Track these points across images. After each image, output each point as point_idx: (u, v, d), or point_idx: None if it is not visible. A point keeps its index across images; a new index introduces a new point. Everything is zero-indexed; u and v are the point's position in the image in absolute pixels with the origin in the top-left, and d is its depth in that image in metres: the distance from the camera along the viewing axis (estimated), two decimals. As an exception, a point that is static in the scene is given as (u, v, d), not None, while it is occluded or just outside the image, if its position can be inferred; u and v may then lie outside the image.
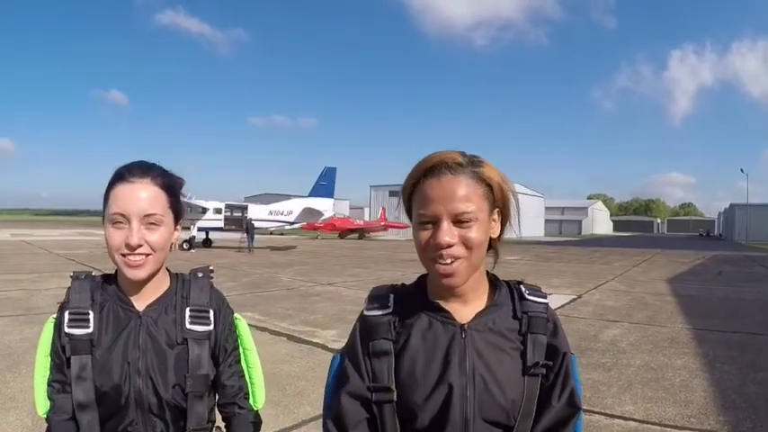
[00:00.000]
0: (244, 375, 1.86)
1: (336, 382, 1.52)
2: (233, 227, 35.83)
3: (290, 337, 8.74)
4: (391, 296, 1.50)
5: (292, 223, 39.48)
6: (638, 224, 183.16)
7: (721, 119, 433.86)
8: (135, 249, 1.59)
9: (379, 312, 1.48)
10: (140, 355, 1.64)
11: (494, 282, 1.52)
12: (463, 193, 1.31)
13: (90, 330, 1.64)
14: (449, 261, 1.31)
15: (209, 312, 1.75)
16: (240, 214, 36.38)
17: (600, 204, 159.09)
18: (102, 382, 1.60)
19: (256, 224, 35.51)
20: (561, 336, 1.49)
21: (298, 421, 5.14)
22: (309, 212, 38.27)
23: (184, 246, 31.32)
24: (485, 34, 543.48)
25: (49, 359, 1.68)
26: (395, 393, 1.39)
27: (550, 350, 1.45)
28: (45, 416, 1.65)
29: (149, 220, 1.62)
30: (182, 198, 1.79)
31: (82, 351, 1.62)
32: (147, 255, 1.62)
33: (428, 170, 1.34)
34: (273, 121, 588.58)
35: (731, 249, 47.62)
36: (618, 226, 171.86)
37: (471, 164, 1.35)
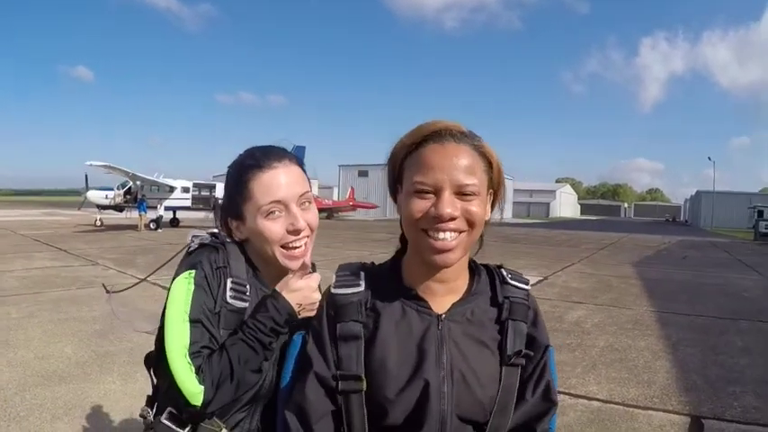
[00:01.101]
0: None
1: (298, 368, 1.42)
2: (201, 206, 35.42)
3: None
4: (362, 273, 1.41)
5: None
6: (606, 208, 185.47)
7: (690, 107, 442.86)
8: (301, 233, 1.60)
9: (349, 291, 1.37)
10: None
11: (473, 267, 1.45)
12: (468, 163, 1.22)
13: (246, 305, 1.58)
14: (447, 236, 1.22)
15: None
16: (208, 193, 35.89)
17: (568, 188, 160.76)
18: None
19: None
20: (541, 326, 1.42)
21: None
22: None
23: (151, 225, 30.92)
24: (456, 16, 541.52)
25: (189, 324, 1.49)
26: (365, 383, 1.28)
27: (530, 341, 1.38)
28: (197, 390, 1.44)
29: (303, 200, 1.63)
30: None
31: (234, 325, 1.55)
32: (308, 236, 1.65)
33: (430, 135, 1.25)
34: (241, 99, 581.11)
35: (696, 235, 48.68)
36: (585, 209, 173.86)
37: (472, 137, 1.28)
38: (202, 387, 1.42)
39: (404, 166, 1.30)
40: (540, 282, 13.61)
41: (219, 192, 35.94)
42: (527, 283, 1.44)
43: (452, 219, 1.20)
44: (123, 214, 34.54)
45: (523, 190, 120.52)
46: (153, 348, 1.63)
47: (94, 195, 33.41)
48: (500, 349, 1.34)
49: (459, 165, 1.21)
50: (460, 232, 1.24)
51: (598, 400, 5.45)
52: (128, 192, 33.24)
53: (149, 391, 1.70)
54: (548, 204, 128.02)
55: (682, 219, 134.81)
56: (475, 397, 1.28)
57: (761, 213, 46.08)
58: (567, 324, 8.85)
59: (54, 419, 4.60)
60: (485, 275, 1.44)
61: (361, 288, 1.36)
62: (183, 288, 1.53)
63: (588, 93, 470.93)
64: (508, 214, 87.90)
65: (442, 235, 1.22)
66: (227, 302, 1.55)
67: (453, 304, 1.35)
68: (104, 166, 29.84)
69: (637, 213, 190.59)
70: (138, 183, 32.91)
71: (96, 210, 33.69)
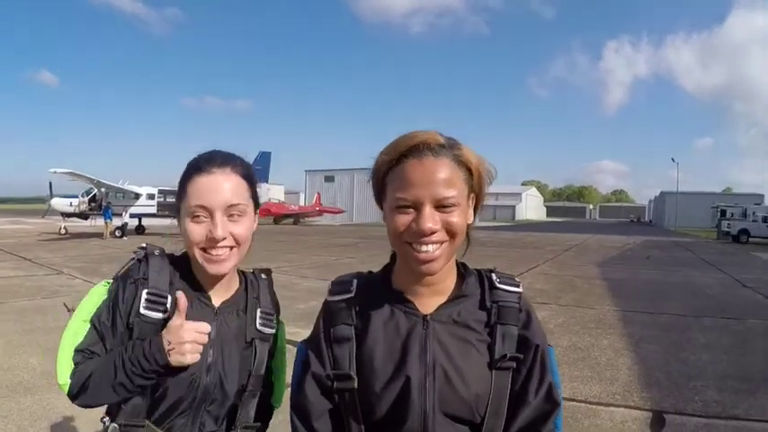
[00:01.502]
0: (272, 374, 1.86)
1: (300, 370, 1.49)
2: (166, 213, 35.12)
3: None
4: (354, 281, 1.48)
5: None
6: (572, 210, 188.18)
7: (655, 110, 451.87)
8: (219, 242, 1.57)
9: (341, 297, 1.45)
10: (212, 352, 1.62)
11: (463, 271, 1.49)
12: (446, 176, 1.26)
13: (164, 317, 1.58)
14: (430, 248, 1.27)
15: (273, 315, 1.80)
16: (174, 199, 35.49)
17: (534, 190, 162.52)
18: (165, 374, 1.55)
19: None
20: (535, 327, 1.43)
21: None
22: None
23: (116, 233, 30.46)
24: (422, 20, 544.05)
25: (89, 325, 1.59)
26: (355, 381, 1.35)
27: (522, 342, 1.39)
28: (65, 381, 1.54)
29: (232, 211, 1.59)
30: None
31: (150, 335, 1.56)
32: (231, 248, 1.60)
33: (408, 150, 1.28)
34: (207, 103, 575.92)
35: (661, 235, 49.59)
36: (551, 212, 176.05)
37: (451, 146, 1.30)
38: (69, 381, 1.53)
39: (386, 180, 1.34)
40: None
41: None
42: (518, 286, 1.46)
43: (433, 232, 1.25)
44: (88, 222, 34.13)
45: (489, 193, 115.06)
46: None
47: (59, 203, 32.87)
48: (490, 351, 1.37)
49: (438, 179, 1.25)
50: (442, 242, 1.28)
51: (562, 398, 5.44)
52: (92, 199, 32.85)
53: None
54: (513, 207, 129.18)
55: (646, 219, 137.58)
56: (458, 394, 1.31)
57: (723, 213, 47.20)
58: (531, 324, 8.84)
59: (20, 431, 4.55)
60: (474, 279, 1.47)
61: (352, 294, 1.44)
62: (98, 293, 1.63)
63: (553, 96, 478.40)
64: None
65: (424, 248, 1.27)
66: (141, 314, 1.57)
67: (440, 306, 1.40)
68: (68, 173, 29.34)
69: (602, 215, 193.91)
70: (102, 190, 32.48)
71: (61, 218, 33.10)
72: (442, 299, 1.41)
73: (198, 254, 1.58)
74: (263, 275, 1.85)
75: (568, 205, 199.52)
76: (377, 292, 1.45)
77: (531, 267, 17.78)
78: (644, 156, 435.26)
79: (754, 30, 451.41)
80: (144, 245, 1.70)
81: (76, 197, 32.97)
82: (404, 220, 1.28)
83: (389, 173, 1.32)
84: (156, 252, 1.68)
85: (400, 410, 1.32)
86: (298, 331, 8.08)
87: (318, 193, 65.05)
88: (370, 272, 1.55)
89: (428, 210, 1.25)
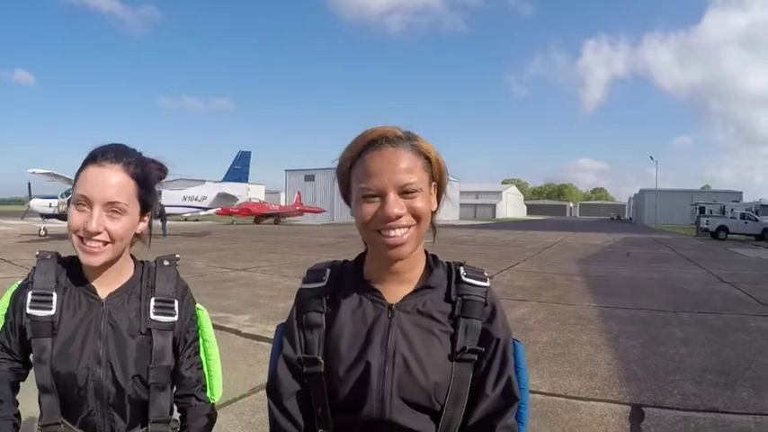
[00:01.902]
0: (202, 367, 1.88)
1: (276, 353, 1.56)
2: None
3: (204, 323, 8.51)
4: (328, 271, 1.54)
5: (207, 209, 39.06)
6: (552, 208, 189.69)
7: (633, 108, 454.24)
8: (93, 236, 1.58)
9: (314, 286, 1.52)
10: (101, 344, 1.64)
11: (432, 263, 1.54)
12: (406, 165, 1.34)
13: (52, 313, 1.63)
14: (398, 232, 1.34)
15: (173, 303, 1.76)
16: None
17: (514, 189, 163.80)
18: (60, 368, 1.60)
19: (172, 210, 35.01)
20: (499, 321, 1.47)
21: None
22: (224, 197, 37.94)
23: None
24: (401, 19, 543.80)
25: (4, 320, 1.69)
26: (322, 365, 1.42)
27: (484, 336, 1.44)
28: None
29: (112, 208, 1.60)
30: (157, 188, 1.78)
31: (43, 334, 1.62)
32: (105, 243, 1.61)
33: (368, 144, 1.37)
34: (184, 103, 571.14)
35: (640, 232, 50.09)
36: (532, 210, 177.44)
37: (409, 138, 1.39)
38: None
39: (350, 175, 1.42)
40: (485, 281, 13.66)
41: (165, 199, 35.52)
42: (485, 281, 1.50)
43: (399, 217, 1.32)
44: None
45: (470, 192, 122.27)
46: None
47: (38, 204, 32.37)
48: (453, 342, 1.42)
49: (399, 167, 1.33)
50: (409, 227, 1.35)
51: (541, 393, 5.51)
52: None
53: None
54: (494, 205, 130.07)
55: (626, 217, 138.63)
56: (417, 382, 1.37)
57: (702, 210, 47.83)
58: (510, 321, 8.73)
59: None
60: (442, 271, 1.52)
61: (324, 284, 1.51)
62: (9, 293, 1.71)
63: (532, 95, 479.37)
64: (455, 216, 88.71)
65: (393, 232, 1.34)
66: (28, 314, 1.62)
67: (406, 295, 1.46)
68: (47, 174, 28.91)
69: (582, 212, 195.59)
70: None
71: (40, 219, 32.62)
72: (410, 288, 1.47)
73: (75, 240, 1.61)
74: (166, 262, 1.83)
75: (549, 203, 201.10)
76: (348, 281, 1.51)
77: (511, 265, 17.83)
78: (623, 154, 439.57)
79: (730, 29, 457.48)
80: (38, 252, 1.73)
81: (56, 198, 32.66)
82: (370, 208, 1.35)
83: (353, 167, 1.40)
84: (48, 256, 1.71)
85: (360, 394, 1.38)
86: (277, 330, 8.09)
87: (299, 193, 64.96)
88: (345, 261, 1.60)
89: (392, 196, 1.32)
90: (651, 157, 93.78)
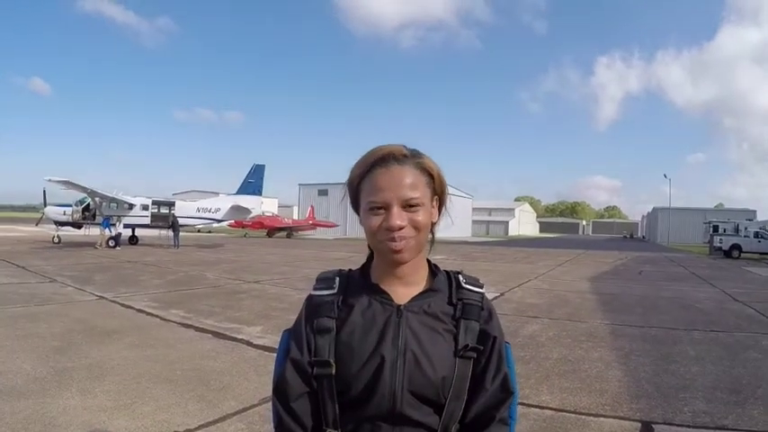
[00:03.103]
0: None
1: (282, 357, 1.63)
2: (160, 224, 35.24)
3: (216, 334, 8.65)
4: (337, 278, 1.64)
5: (220, 221, 39.24)
6: (564, 226, 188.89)
7: (646, 125, 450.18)
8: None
9: (325, 292, 1.62)
10: None
11: (434, 270, 1.67)
12: (410, 181, 1.48)
13: None
14: (402, 242, 1.46)
15: None
16: (167, 211, 35.82)
17: (527, 206, 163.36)
18: None
19: (185, 221, 35.50)
20: (494, 323, 1.63)
21: (222, 415, 5.15)
22: (237, 210, 38.08)
23: (110, 243, 30.42)
24: (414, 34, 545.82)
25: None
26: (333, 368, 1.51)
27: (482, 335, 1.58)
28: None
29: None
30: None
31: None
32: None
33: (376, 161, 1.50)
34: (198, 115, 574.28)
35: (653, 251, 49.87)
36: (544, 227, 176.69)
37: (414, 156, 1.53)
38: None
39: (359, 188, 1.55)
40: (496, 298, 13.72)
41: (179, 210, 35.77)
42: (481, 288, 1.67)
43: (401, 228, 1.46)
44: (82, 231, 34.38)
45: (482, 208, 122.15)
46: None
47: (53, 211, 33.00)
48: (455, 341, 1.55)
49: (403, 183, 1.47)
50: (410, 237, 1.48)
51: (550, 408, 5.51)
52: (86, 208, 32.97)
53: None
54: (507, 223, 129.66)
55: (639, 235, 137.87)
56: (426, 376, 1.48)
57: (716, 228, 47.58)
58: (521, 338, 8.92)
59: None
60: (444, 277, 1.66)
61: (334, 291, 1.61)
62: None
63: (545, 111, 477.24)
64: (468, 233, 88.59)
65: (395, 242, 1.47)
66: None
67: (413, 297, 1.58)
68: (63, 182, 29.29)
69: (595, 230, 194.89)
70: (96, 199, 32.57)
71: (54, 226, 33.22)
72: (415, 291, 1.59)
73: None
74: None
75: (561, 221, 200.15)
76: (356, 286, 1.62)
77: (522, 282, 17.81)
78: (636, 171, 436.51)
79: (744, 46, 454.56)
80: None
81: (70, 206, 33.07)
82: (376, 220, 1.48)
83: (362, 182, 1.53)
84: None
85: (373, 388, 1.48)
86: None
87: (312, 207, 65.03)
88: (350, 269, 1.70)
89: (396, 209, 1.46)
90: (665, 175, 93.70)
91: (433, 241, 1.65)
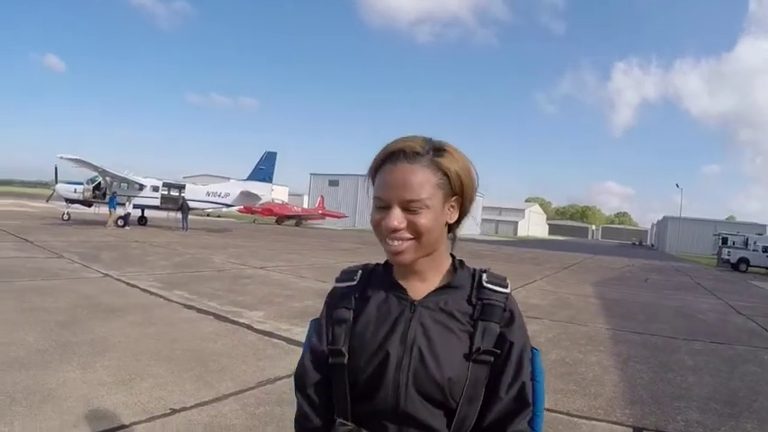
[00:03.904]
0: None
1: (306, 344, 1.66)
2: (169, 206, 35.45)
3: (217, 317, 8.75)
4: (360, 272, 1.64)
5: (230, 206, 39.31)
6: (574, 229, 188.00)
7: (661, 134, 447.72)
8: None
9: (345, 284, 1.62)
10: None
11: (458, 265, 1.61)
12: (416, 181, 1.40)
13: None
14: (396, 243, 1.43)
15: None
16: (177, 193, 36.00)
17: (537, 207, 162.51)
18: None
19: (195, 205, 35.69)
20: (516, 327, 1.51)
21: (218, 395, 5.23)
22: (247, 196, 38.10)
23: (119, 222, 30.69)
24: (430, 30, 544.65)
25: None
26: (346, 357, 1.49)
27: (501, 339, 1.48)
28: None
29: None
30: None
31: None
32: None
33: (388, 156, 1.45)
34: (212, 99, 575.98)
35: (661, 259, 49.63)
36: (554, 230, 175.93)
37: (432, 152, 1.44)
38: None
39: (374, 181, 1.51)
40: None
41: (189, 193, 35.88)
42: (506, 287, 1.57)
43: (397, 230, 1.42)
44: (92, 209, 34.66)
45: (492, 207, 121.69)
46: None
47: (63, 189, 33.13)
48: (471, 342, 1.47)
49: (408, 183, 1.40)
50: (407, 239, 1.44)
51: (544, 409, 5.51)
52: (97, 187, 33.12)
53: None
54: (516, 223, 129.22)
55: (648, 243, 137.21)
56: (430, 374, 1.42)
57: (725, 240, 47.08)
58: (521, 337, 8.89)
59: (13, 403, 4.66)
60: (467, 274, 1.59)
61: (355, 283, 1.61)
62: None
63: (560, 114, 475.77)
64: (476, 231, 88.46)
65: (392, 242, 1.44)
66: None
67: (429, 293, 1.53)
68: (75, 160, 29.46)
69: (604, 236, 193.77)
70: (107, 179, 32.77)
71: (64, 203, 33.42)
72: (432, 287, 1.54)
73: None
74: None
75: (571, 224, 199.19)
76: (377, 280, 1.61)
77: (527, 282, 17.80)
78: (649, 179, 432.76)
79: (764, 58, 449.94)
80: None
81: (81, 184, 33.21)
82: (378, 217, 1.46)
83: (377, 174, 1.49)
84: None
85: (376, 383, 1.45)
86: (291, 328, 8.18)
87: (322, 197, 65.10)
88: (377, 264, 1.69)
89: (394, 210, 1.42)
90: (677, 185, 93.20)
91: (454, 239, 1.63)
